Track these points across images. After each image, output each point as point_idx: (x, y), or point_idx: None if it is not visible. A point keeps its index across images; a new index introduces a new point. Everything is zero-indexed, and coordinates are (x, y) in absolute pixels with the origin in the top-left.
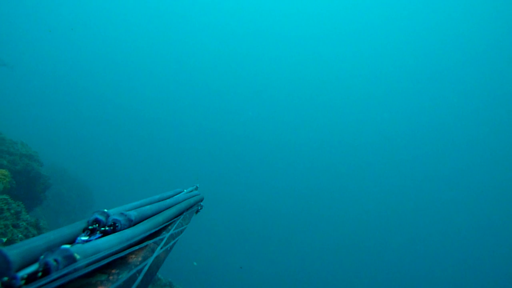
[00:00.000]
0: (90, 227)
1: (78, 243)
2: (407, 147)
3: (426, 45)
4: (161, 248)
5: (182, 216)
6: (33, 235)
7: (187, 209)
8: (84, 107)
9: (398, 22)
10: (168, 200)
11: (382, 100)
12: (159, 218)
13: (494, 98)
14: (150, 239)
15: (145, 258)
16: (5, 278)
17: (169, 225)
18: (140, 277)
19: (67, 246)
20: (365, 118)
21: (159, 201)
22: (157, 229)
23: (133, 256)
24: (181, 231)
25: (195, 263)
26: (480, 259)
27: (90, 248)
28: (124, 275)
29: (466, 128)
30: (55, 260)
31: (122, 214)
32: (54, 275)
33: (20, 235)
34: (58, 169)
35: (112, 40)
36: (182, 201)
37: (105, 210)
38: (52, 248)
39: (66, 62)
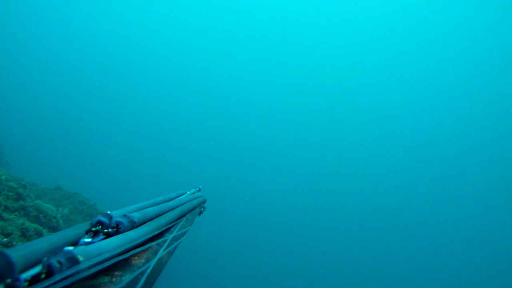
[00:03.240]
0: (93, 229)
1: (81, 245)
2: (407, 146)
3: (426, 45)
4: (164, 250)
5: (185, 218)
6: None
7: (190, 211)
8: (84, 107)
9: (398, 22)
10: (171, 202)
11: (381, 99)
12: (162, 220)
13: (495, 99)
14: (153, 241)
15: (148, 260)
16: (9, 280)
17: (172, 227)
18: (143, 279)
19: (70, 248)
20: (365, 118)
21: (162, 203)
22: (160, 231)
23: (136, 258)
24: (184, 233)
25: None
26: (480, 259)
27: (93, 250)
28: (127, 277)
29: (465, 128)
30: (58, 262)
31: (125, 216)
32: (57, 277)
33: None
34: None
35: (113, 40)
36: (185, 203)
37: (108, 212)
38: (55, 250)
39: (57, 58)
